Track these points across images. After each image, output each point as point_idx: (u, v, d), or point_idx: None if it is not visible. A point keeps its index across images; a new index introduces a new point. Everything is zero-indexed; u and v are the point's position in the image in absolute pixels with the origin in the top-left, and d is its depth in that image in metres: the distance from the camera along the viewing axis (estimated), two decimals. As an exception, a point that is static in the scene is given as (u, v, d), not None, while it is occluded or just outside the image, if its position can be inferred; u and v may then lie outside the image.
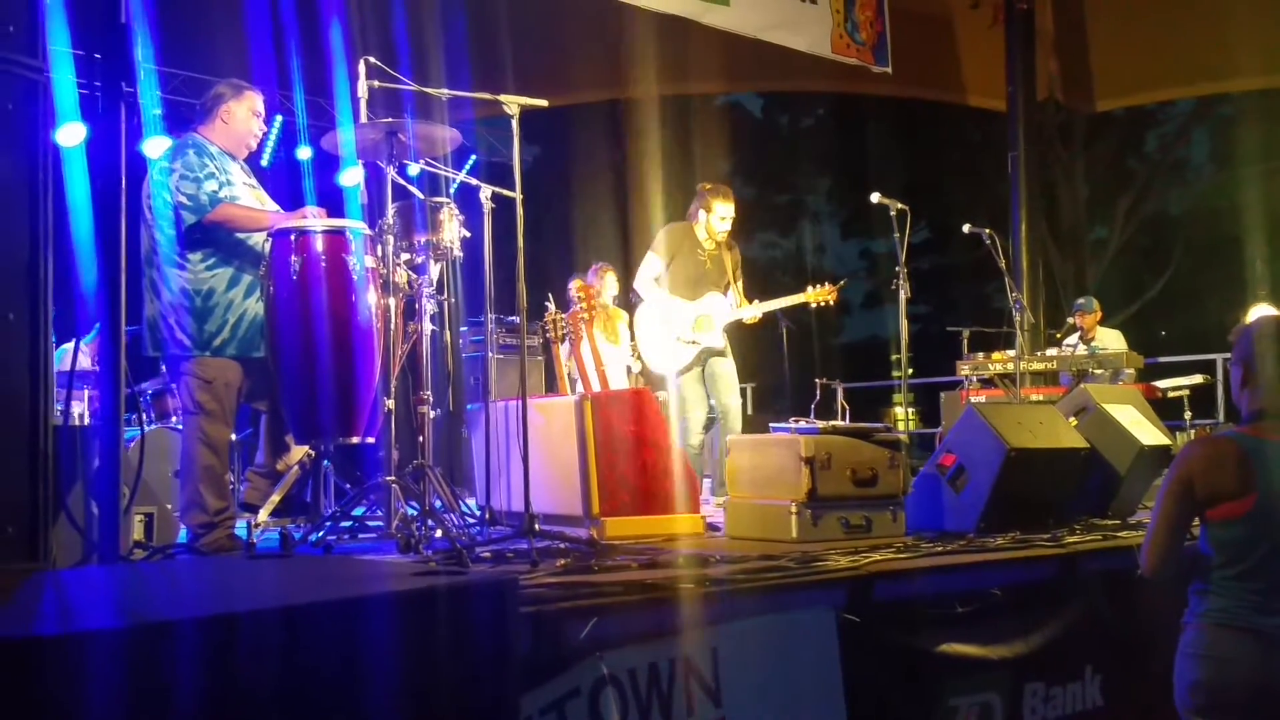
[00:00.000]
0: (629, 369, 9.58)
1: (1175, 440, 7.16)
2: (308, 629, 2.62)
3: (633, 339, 8.03)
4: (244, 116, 5.69)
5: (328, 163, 7.99)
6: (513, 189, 5.35)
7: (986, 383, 9.63)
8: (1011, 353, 9.23)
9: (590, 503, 5.63)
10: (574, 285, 9.13)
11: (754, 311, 7.70)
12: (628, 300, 8.65)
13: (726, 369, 7.71)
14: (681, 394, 7.52)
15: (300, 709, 2.54)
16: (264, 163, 10.73)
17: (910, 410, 8.64)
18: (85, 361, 6.98)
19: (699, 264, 7.75)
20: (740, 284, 7.90)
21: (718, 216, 7.79)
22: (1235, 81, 13.67)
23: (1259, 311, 9.42)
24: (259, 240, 5.43)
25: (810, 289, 7.65)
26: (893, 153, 22.50)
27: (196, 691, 2.40)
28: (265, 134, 6.23)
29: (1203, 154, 25.69)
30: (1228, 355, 11.84)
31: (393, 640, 2.67)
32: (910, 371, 8.34)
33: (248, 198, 5.57)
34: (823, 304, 7.70)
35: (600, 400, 5.86)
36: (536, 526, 4.91)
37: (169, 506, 5.68)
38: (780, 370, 8.03)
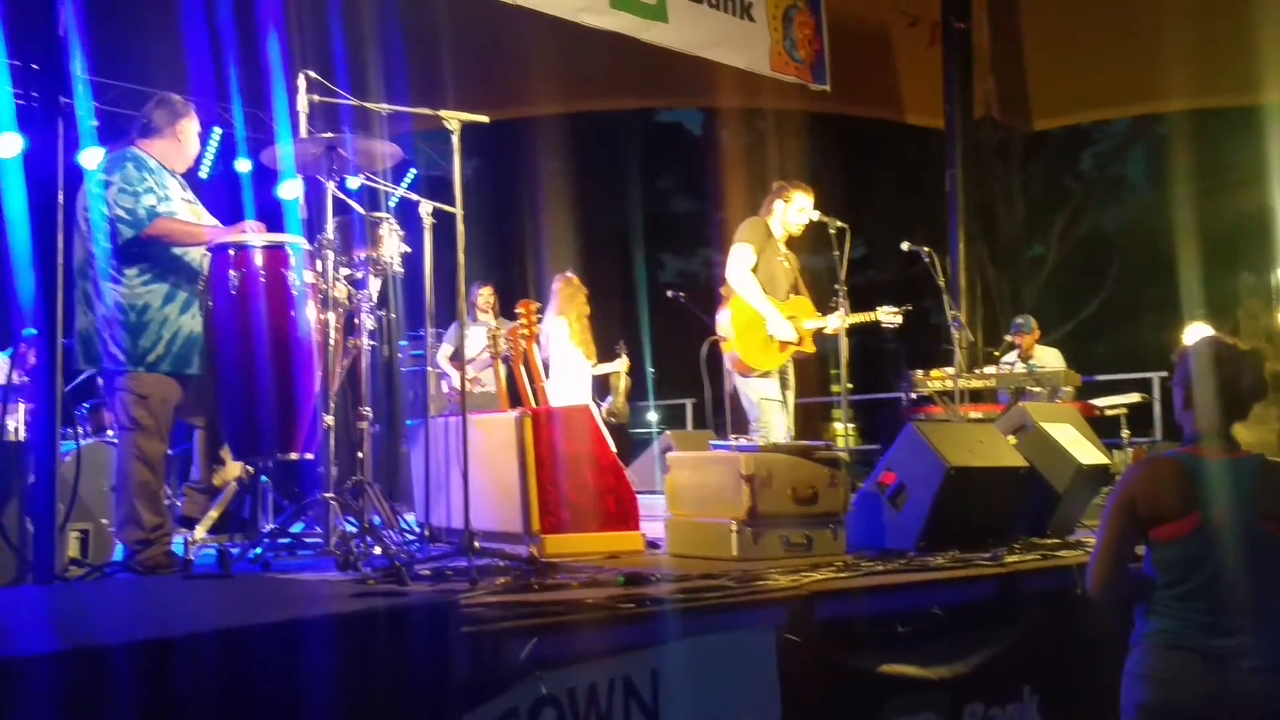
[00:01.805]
0: (618, 374, 9.58)
1: (1113, 459, 7.21)
2: (245, 652, 2.59)
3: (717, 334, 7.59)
4: (193, 134, 5.71)
5: (267, 175, 7.93)
6: (453, 202, 5.33)
7: (924, 400, 9.68)
8: (950, 370, 9.28)
9: (530, 520, 5.60)
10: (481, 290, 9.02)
11: (837, 323, 7.42)
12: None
13: (791, 386, 7.55)
14: (765, 399, 7.28)
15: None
16: (203, 175, 10.65)
17: (849, 427, 8.67)
18: (1, 377, 6.89)
19: (778, 263, 7.51)
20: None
21: (796, 208, 7.55)
22: (1168, 102, 13.83)
23: (1195, 330, 9.54)
24: (196, 256, 5.39)
25: (881, 309, 7.50)
26: (831, 170, 22.59)
27: (133, 717, 2.37)
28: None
29: (1139, 173, 26.02)
30: (1164, 374, 12.01)
31: (333, 663, 2.64)
32: (850, 387, 8.34)
33: (185, 213, 5.51)
34: (890, 326, 7.59)
35: (540, 417, 5.84)
36: (476, 544, 4.87)
37: (105, 522, 5.60)
38: (720, 385, 7.96)
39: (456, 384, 9.37)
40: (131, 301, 5.26)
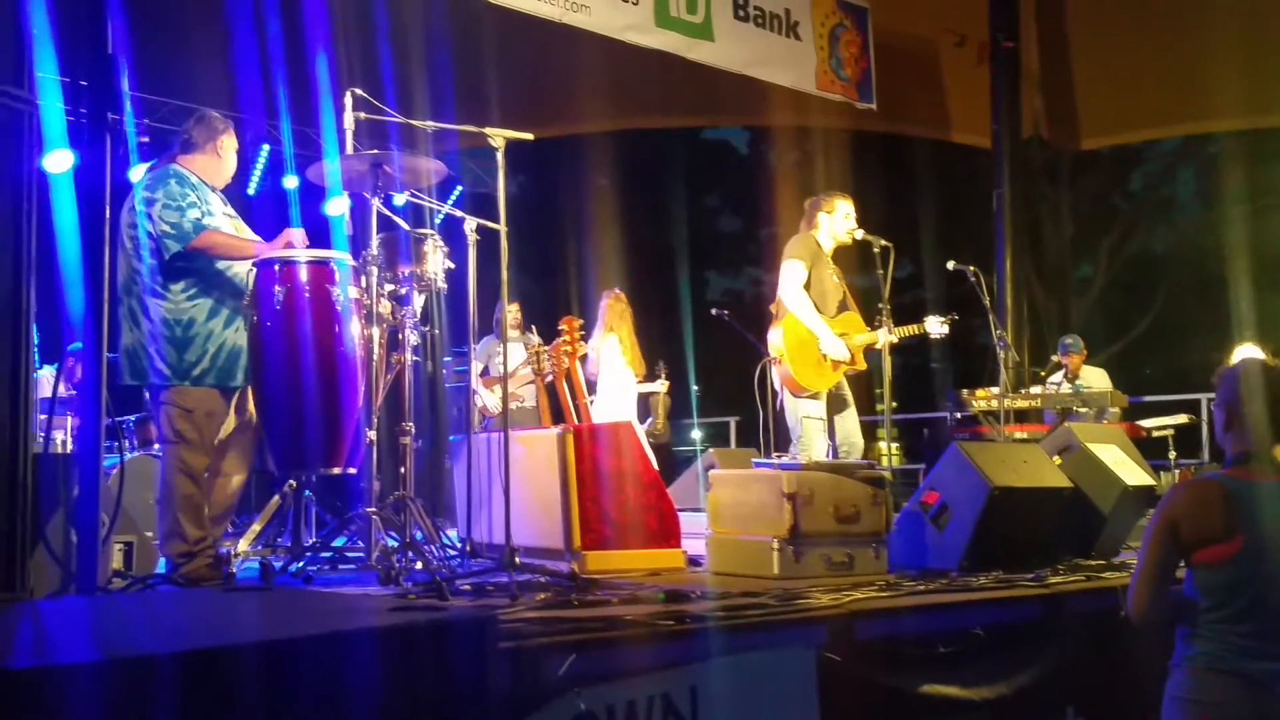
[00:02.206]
0: (658, 395, 9.55)
1: (1160, 480, 7.13)
2: (286, 665, 2.60)
3: (770, 354, 7.51)
4: (232, 150, 5.79)
5: (314, 192, 7.99)
6: (497, 219, 5.36)
7: (970, 419, 9.62)
8: (995, 390, 9.22)
9: (571, 536, 5.60)
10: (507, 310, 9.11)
11: (890, 337, 7.33)
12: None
13: (850, 400, 7.45)
14: (808, 418, 7.18)
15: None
16: (250, 191, 10.74)
17: (893, 446, 8.63)
18: (48, 389, 6.97)
19: (829, 277, 7.42)
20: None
21: (841, 215, 7.45)
22: (1218, 121, 13.73)
23: (1243, 352, 9.42)
24: (240, 271, 5.44)
25: (929, 319, 7.47)
26: (877, 188, 22.46)
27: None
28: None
29: (1189, 193, 25.73)
30: (1213, 395, 11.81)
31: (373, 676, 2.65)
32: (895, 406, 8.29)
33: (228, 227, 5.57)
34: (938, 336, 7.56)
35: (582, 433, 5.85)
36: (517, 560, 4.88)
37: (149, 535, 5.64)
38: (769, 404, 7.90)
39: (485, 401, 9.38)
40: (177, 316, 5.31)
